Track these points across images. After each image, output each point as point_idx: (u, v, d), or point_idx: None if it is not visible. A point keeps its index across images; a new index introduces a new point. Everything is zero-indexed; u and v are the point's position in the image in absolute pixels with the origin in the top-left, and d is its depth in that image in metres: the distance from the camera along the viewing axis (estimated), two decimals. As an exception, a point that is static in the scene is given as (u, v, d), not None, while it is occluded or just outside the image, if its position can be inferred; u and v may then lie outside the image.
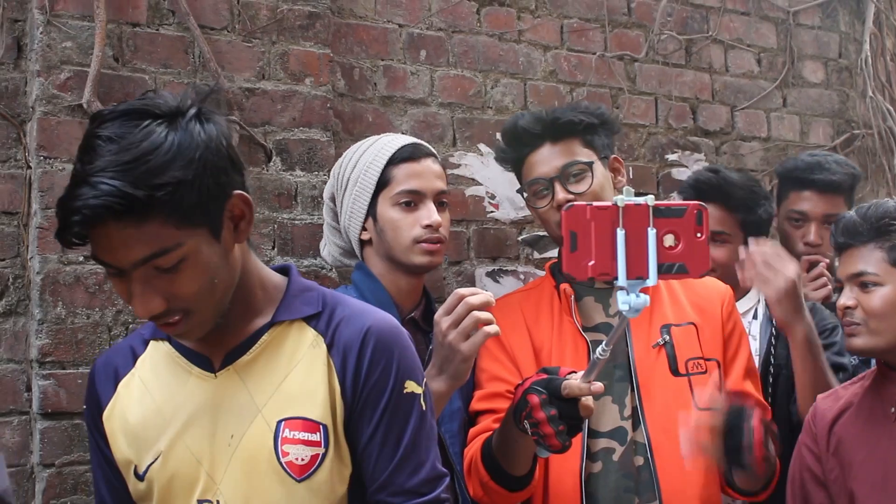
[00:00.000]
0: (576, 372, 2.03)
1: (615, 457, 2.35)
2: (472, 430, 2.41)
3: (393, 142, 2.50)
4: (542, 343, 2.45)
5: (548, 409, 1.98)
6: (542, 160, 2.52)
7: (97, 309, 2.54)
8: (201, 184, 1.67)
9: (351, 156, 2.52)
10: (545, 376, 2.05)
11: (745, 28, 3.83)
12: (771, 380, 2.83)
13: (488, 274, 3.20)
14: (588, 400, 1.99)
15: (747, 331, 2.89)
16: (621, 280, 1.73)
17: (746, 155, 3.67)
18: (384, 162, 2.44)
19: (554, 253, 3.02)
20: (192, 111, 1.70)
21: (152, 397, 1.88)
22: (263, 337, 1.85)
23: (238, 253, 1.81)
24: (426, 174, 2.45)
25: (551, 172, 2.49)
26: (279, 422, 1.79)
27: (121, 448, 1.89)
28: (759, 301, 3.00)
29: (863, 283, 2.34)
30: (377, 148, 2.49)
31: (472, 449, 2.33)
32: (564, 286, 2.49)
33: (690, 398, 2.39)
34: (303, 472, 1.78)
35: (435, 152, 2.54)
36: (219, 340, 1.85)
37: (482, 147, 3.19)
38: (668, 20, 3.63)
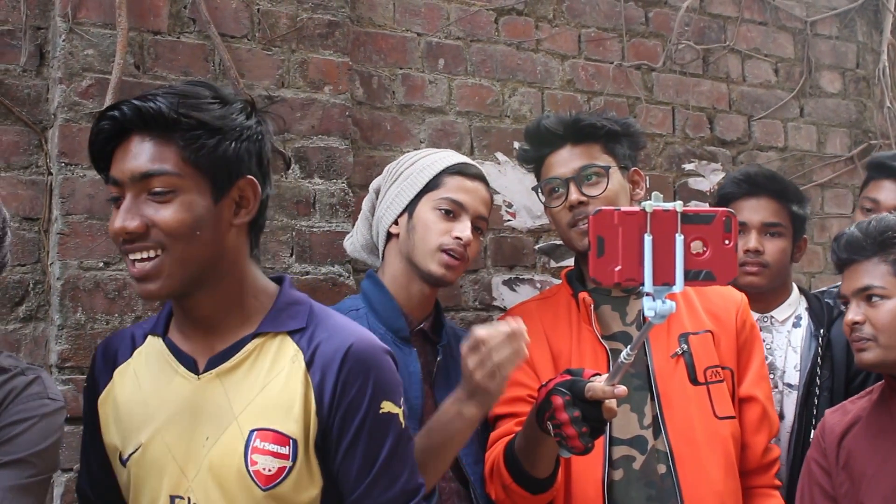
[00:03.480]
0: (599, 374, 2.03)
1: (636, 465, 2.36)
2: (493, 434, 2.41)
3: (454, 156, 2.53)
4: (561, 350, 2.46)
5: (571, 411, 1.98)
6: (560, 161, 2.54)
7: (116, 315, 2.56)
8: (223, 143, 1.80)
9: (412, 156, 2.55)
10: (569, 378, 2.05)
11: (762, 38, 3.83)
12: (816, 402, 2.80)
13: (505, 282, 3.20)
14: (611, 402, 1.99)
15: (787, 340, 2.90)
16: (648, 286, 1.74)
17: (763, 165, 3.65)
18: (440, 168, 2.46)
19: (570, 261, 3.02)
20: (244, 102, 1.86)
21: (141, 389, 1.93)
22: (247, 346, 1.88)
23: (233, 242, 1.86)
24: (474, 193, 2.47)
25: (568, 173, 2.51)
26: (252, 431, 1.82)
27: (111, 433, 1.94)
28: (800, 307, 2.98)
29: (869, 296, 2.34)
30: (439, 155, 2.52)
31: (494, 452, 2.34)
32: (583, 295, 2.49)
33: (710, 407, 2.40)
34: (268, 482, 1.80)
35: (488, 181, 2.55)
36: (206, 343, 1.90)
37: (500, 156, 3.19)
38: (686, 30, 3.63)
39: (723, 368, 2.45)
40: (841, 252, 2.41)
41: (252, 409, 1.83)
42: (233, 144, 1.82)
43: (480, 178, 2.51)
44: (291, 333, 1.89)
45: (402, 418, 1.88)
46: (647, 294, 1.74)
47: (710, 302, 2.53)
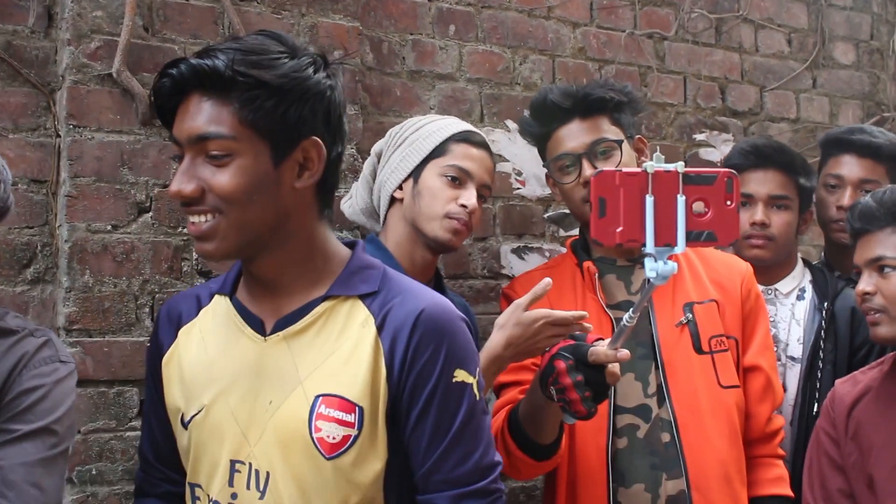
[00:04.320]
0: (602, 339, 2.04)
1: (640, 433, 2.37)
2: (498, 402, 2.42)
3: (460, 123, 2.53)
4: (566, 318, 2.46)
5: (574, 375, 1.99)
6: (570, 135, 2.53)
7: (124, 278, 2.56)
8: (284, 101, 1.73)
9: (416, 121, 2.54)
10: (572, 342, 2.06)
11: (775, 8, 3.80)
12: (819, 375, 2.81)
13: (513, 251, 3.20)
14: (615, 367, 2.00)
15: (791, 313, 2.90)
16: (649, 247, 1.74)
17: (775, 136, 3.63)
18: (447, 135, 2.45)
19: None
20: (314, 55, 1.78)
21: (206, 350, 1.89)
22: (316, 309, 1.83)
23: (297, 204, 1.80)
24: (479, 161, 2.46)
25: (580, 148, 2.50)
26: (317, 396, 1.77)
27: (173, 394, 1.91)
28: (804, 280, 2.98)
29: (881, 267, 2.33)
30: (445, 122, 2.51)
31: (498, 419, 2.34)
32: (588, 264, 2.51)
33: (714, 376, 2.41)
34: (332, 451, 1.75)
35: (491, 150, 2.54)
36: (274, 305, 1.85)
37: (509, 123, 3.18)
38: (699, -1, 3.63)
39: (727, 338, 2.46)
40: (854, 222, 2.41)
41: (318, 373, 1.78)
42: (295, 104, 1.75)
43: (485, 146, 2.51)
44: (363, 297, 1.84)
45: (476, 389, 1.81)
46: (649, 255, 1.74)
47: (714, 271, 2.53)
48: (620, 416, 2.38)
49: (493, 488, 1.81)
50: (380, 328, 1.80)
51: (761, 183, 2.91)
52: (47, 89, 2.60)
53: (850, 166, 3.03)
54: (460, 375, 1.80)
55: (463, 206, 2.39)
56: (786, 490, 2.49)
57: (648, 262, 1.75)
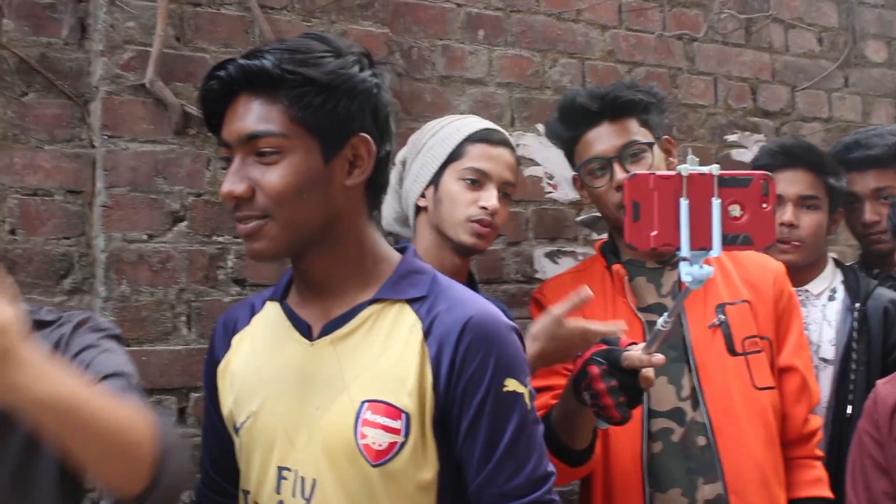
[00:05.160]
0: (636, 343, 2.03)
1: (675, 437, 2.36)
2: None
3: (476, 122, 2.52)
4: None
5: (608, 380, 1.97)
6: (599, 138, 2.52)
7: (160, 287, 2.57)
8: (332, 98, 1.73)
9: (433, 125, 2.54)
10: (605, 347, 2.05)
11: (805, 7, 3.79)
12: (853, 377, 2.80)
13: (546, 255, 3.20)
14: (648, 371, 1.98)
15: (822, 314, 2.89)
16: (684, 251, 1.72)
17: (807, 136, 3.62)
18: (462, 137, 2.45)
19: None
20: (359, 54, 1.79)
21: (256, 357, 1.89)
22: (363, 312, 1.81)
23: (347, 203, 1.80)
24: (498, 160, 2.45)
25: (610, 152, 2.49)
26: (363, 402, 1.75)
27: (227, 402, 1.91)
28: (835, 280, 2.97)
29: None
30: (460, 124, 2.51)
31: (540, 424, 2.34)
32: (617, 267, 2.51)
33: (749, 377, 2.40)
34: (379, 458, 1.73)
35: (513, 145, 2.53)
36: (322, 308, 1.85)
37: (540, 127, 3.17)
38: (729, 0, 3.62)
39: (761, 338, 2.45)
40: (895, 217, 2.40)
41: (364, 378, 1.76)
42: (343, 101, 1.75)
43: (504, 142, 2.50)
44: (411, 302, 1.81)
45: (527, 399, 1.78)
46: (684, 259, 1.73)
47: (746, 271, 2.52)
48: (655, 420, 2.37)
49: (548, 500, 1.78)
50: (426, 333, 1.77)
51: (790, 183, 2.90)
52: (82, 100, 2.62)
53: (860, 182, 3.04)
54: (511, 385, 1.76)
55: (483, 207, 2.39)
56: (825, 492, 2.47)
57: (684, 266, 1.74)
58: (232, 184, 1.72)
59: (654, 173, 1.76)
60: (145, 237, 2.59)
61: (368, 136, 1.79)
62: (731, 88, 3.61)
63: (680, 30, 3.52)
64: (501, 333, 1.78)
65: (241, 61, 1.73)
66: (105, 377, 1.71)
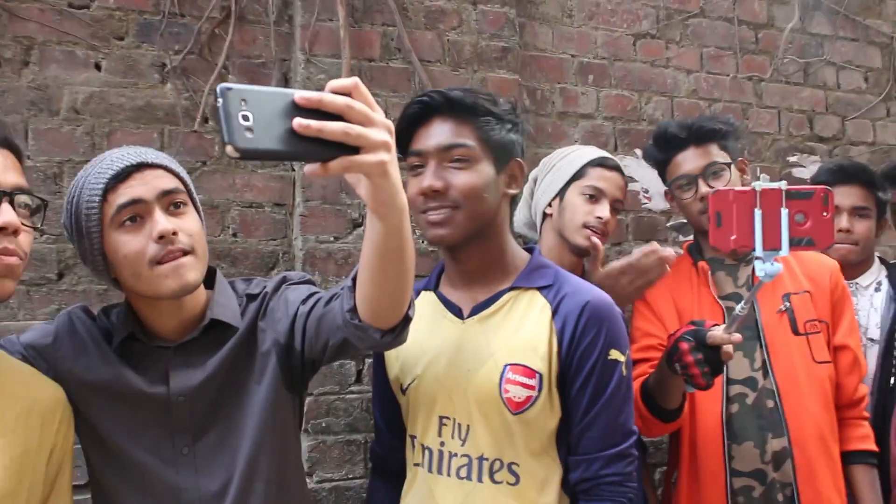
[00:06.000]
0: (718, 325, 2.01)
1: (749, 401, 2.34)
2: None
3: (596, 151, 2.52)
4: (684, 308, 2.44)
5: (695, 354, 1.97)
6: (686, 160, 2.49)
7: (343, 277, 2.60)
8: (503, 127, 1.83)
9: (563, 151, 2.55)
10: (693, 328, 2.04)
11: (854, 52, 3.68)
12: (895, 353, 2.73)
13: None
14: (728, 347, 1.97)
15: (869, 302, 2.82)
16: (758, 251, 1.72)
17: (855, 157, 3.53)
18: (585, 161, 2.46)
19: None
20: (511, 105, 1.89)
21: (417, 333, 1.87)
22: (504, 297, 1.86)
23: (502, 209, 1.86)
24: (611, 181, 2.45)
25: (696, 171, 2.46)
26: (506, 365, 1.79)
27: (393, 369, 1.96)
28: (881, 274, 2.89)
29: None
30: (583, 151, 2.52)
31: (633, 390, 2.35)
32: (702, 263, 2.48)
33: (809, 353, 2.36)
34: (518, 408, 1.78)
35: (623, 171, 2.52)
36: (470, 294, 1.90)
37: (638, 152, 3.16)
38: (790, 46, 3.53)
39: (819, 322, 2.40)
40: None
41: (506, 347, 1.81)
42: (510, 132, 1.84)
43: (617, 168, 2.49)
44: (540, 289, 1.86)
45: (624, 367, 1.83)
46: (758, 258, 1.72)
47: (807, 267, 2.47)
48: (732, 387, 2.35)
49: (631, 452, 1.82)
50: (554, 313, 1.82)
51: (846, 196, 2.84)
52: (285, 135, 2.69)
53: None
54: (614, 354, 1.81)
55: (598, 217, 2.39)
56: (871, 446, 2.42)
57: (758, 263, 1.73)
58: (431, 180, 1.77)
59: (733, 189, 1.76)
60: (332, 239, 2.64)
61: (522, 161, 1.87)
62: (791, 119, 3.53)
63: (750, 72, 3.46)
64: (611, 314, 1.83)
65: (443, 90, 1.80)
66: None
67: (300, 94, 1.09)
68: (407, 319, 1.52)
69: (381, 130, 1.17)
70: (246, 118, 1.05)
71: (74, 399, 1.68)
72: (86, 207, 1.59)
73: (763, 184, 1.75)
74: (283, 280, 1.83)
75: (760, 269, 1.73)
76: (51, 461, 1.60)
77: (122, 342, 1.70)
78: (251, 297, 1.79)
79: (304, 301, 1.74)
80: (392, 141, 1.19)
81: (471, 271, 1.90)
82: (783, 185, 1.74)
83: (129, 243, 1.59)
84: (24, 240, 1.50)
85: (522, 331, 1.83)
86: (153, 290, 1.62)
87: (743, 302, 1.90)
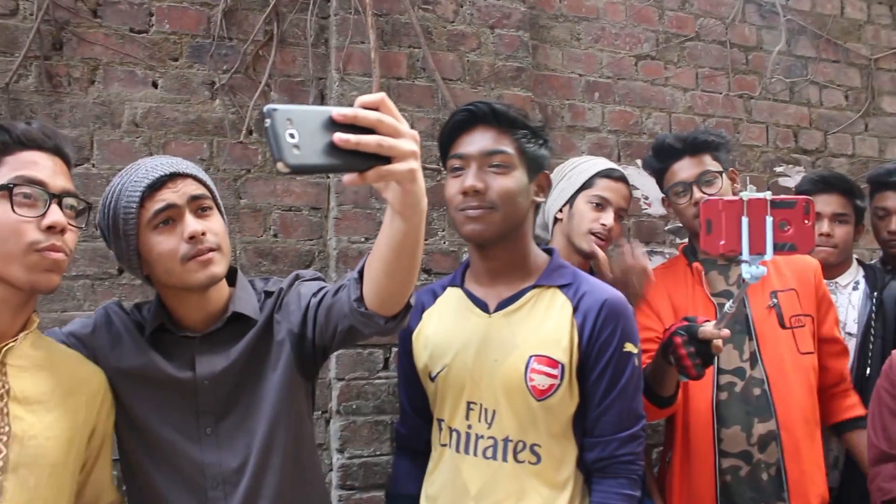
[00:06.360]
0: (709, 321, 2.01)
1: (737, 389, 2.33)
2: None
3: (604, 163, 2.52)
4: (679, 305, 2.44)
5: (688, 347, 1.97)
6: (682, 169, 2.48)
7: (373, 274, 2.63)
8: (536, 141, 1.85)
9: (573, 161, 2.55)
10: (686, 323, 2.05)
11: (835, 72, 3.67)
12: (871, 346, 2.72)
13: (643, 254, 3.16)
14: (718, 341, 1.97)
15: (848, 300, 2.81)
16: (745, 255, 1.72)
17: (836, 168, 3.52)
18: (593, 172, 2.46)
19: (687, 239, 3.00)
20: (541, 122, 1.91)
21: (444, 326, 1.93)
22: (527, 294, 1.87)
23: (528, 215, 1.87)
24: (617, 191, 2.45)
25: (690, 178, 2.46)
26: (530, 356, 1.81)
27: (421, 359, 1.96)
28: (858, 275, 2.88)
29: None
30: (592, 163, 2.52)
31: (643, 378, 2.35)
32: (696, 264, 2.47)
33: (794, 345, 2.36)
34: (541, 395, 1.79)
35: (628, 181, 2.52)
36: (496, 291, 1.90)
37: (639, 161, 3.14)
38: (777, 67, 3.51)
39: (804, 316, 2.40)
40: None
41: (531, 340, 1.82)
42: (542, 146, 1.86)
43: (622, 179, 2.49)
44: (561, 287, 1.87)
45: (636, 359, 1.85)
46: (744, 261, 1.72)
47: (794, 267, 2.47)
48: (722, 376, 2.35)
49: (641, 434, 1.85)
50: (574, 309, 1.83)
51: (826, 203, 2.83)
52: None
53: (892, 200, 2.91)
54: (628, 347, 1.83)
55: (603, 224, 2.39)
56: (862, 411, 2.44)
57: (744, 266, 1.73)
58: (473, 181, 1.79)
59: (722, 198, 1.76)
60: (363, 239, 2.64)
61: (549, 173, 1.90)
62: (778, 133, 3.51)
63: (741, 90, 3.45)
64: (625, 311, 1.85)
65: (488, 102, 1.83)
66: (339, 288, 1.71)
67: (337, 111, 1.11)
68: (408, 307, 1.55)
69: (409, 141, 1.19)
70: (292, 136, 1.06)
71: (110, 384, 1.71)
72: (124, 212, 1.63)
73: (750, 194, 1.75)
74: (297, 277, 1.86)
75: (746, 271, 1.73)
76: (91, 440, 1.64)
77: (153, 332, 1.74)
78: (268, 294, 1.83)
79: (314, 294, 1.77)
80: (418, 150, 1.21)
81: (497, 269, 1.90)
82: (768, 195, 1.74)
83: (163, 243, 1.64)
84: (70, 238, 1.53)
85: (546, 325, 1.84)
86: (184, 282, 1.66)
87: (731, 301, 1.90)
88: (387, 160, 1.16)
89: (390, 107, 1.18)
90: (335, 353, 2.56)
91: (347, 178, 1.14)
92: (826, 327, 2.46)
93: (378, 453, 2.58)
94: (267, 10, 2.66)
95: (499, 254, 1.88)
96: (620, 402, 1.82)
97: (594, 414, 1.83)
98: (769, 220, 1.73)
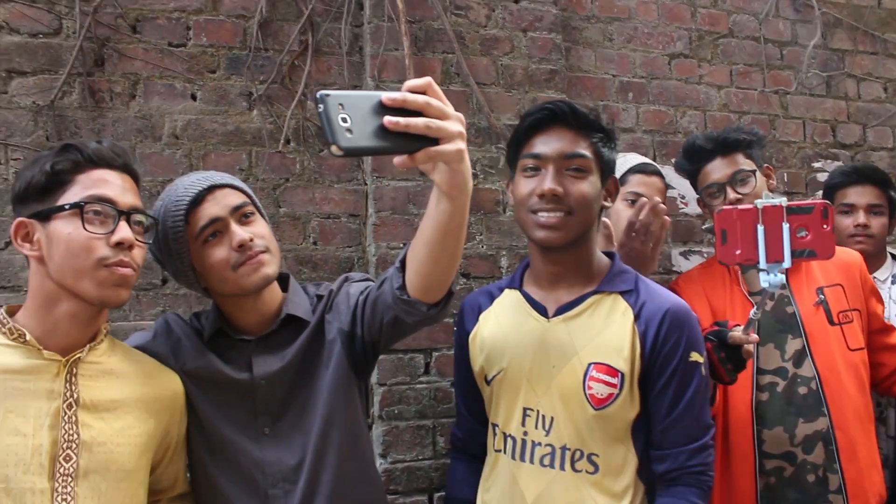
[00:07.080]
0: (739, 326, 2.00)
1: (779, 388, 2.31)
2: None
3: (636, 158, 2.52)
4: (717, 305, 2.42)
5: (719, 352, 1.96)
6: (715, 170, 2.48)
7: (411, 279, 2.64)
8: (610, 146, 1.83)
9: None
10: (717, 328, 2.03)
11: (873, 64, 3.62)
12: None
13: (681, 254, 3.17)
14: (749, 346, 1.95)
15: (888, 295, 2.79)
16: (762, 264, 1.71)
17: (876, 162, 3.47)
18: (626, 169, 2.46)
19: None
20: (609, 126, 1.85)
21: (501, 328, 1.90)
22: (588, 299, 1.83)
23: (596, 217, 1.84)
24: (651, 185, 2.45)
25: (723, 179, 2.45)
26: (589, 364, 1.77)
27: (478, 361, 1.94)
28: (894, 269, 2.85)
29: None
30: (626, 158, 2.52)
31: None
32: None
33: (844, 342, 2.34)
34: (600, 404, 1.76)
35: (663, 174, 2.50)
36: (555, 295, 1.87)
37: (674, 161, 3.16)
38: (813, 62, 3.48)
39: (852, 311, 2.37)
40: None
41: (590, 347, 1.78)
42: (613, 150, 1.84)
43: (656, 172, 2.48)
44: (622, 293, 1.83)
45: (703, 368, 1.80)
46: (762, 270, 1.71)
47: (837, 261, 2.42)
48: (762, 377, 2.32)
49: (711, 443, 1.81)
50: (636, 317, 1.79)
51: (861, 195, 2.81)
52: (357, 153, 2.72)
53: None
54: (694, 356, 1.78)
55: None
56: None
57: (762, 275, 1.72)
58: (553, 184, 1.75)
59: (736, 207, 1.75)
60: (401, 245, 2.64)
61: (617, 178, 1.87)
62: (815, 128, 3.48)
63: (776, 86, 3.42)
64: (690, 320, 1.80)
65: (568, 102, 1.80)
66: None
67: (387, 96, 1.15)
68: (450, 294, 1.56)
69: (456, 122, 1.22)
70: (345, 120, 1.10)
71: None
72: (172, 233, 1.69)
73: (765, 201, 1.74)
74: (346, 279, 1.90)
75: (765, 280, 1.72)
76: (162, 444, 1.71)
77: (211, 337, 1.81)
78: (319, 297, 1.87)
79: (362, 292, 1.80)
80: (464, 131, 1.24)
81: (559, 273, 1.87)
82: (784, 201, 1.73)
83: (214, 254, 1.70)
84: (138, 254, 1.58)
85: (606, 332, 1.80)
86: (240, 288, 1.72)
87: (755, 307, 1.89)
88: (435, 141, 1.19)
89: (437, 90, 1.22)
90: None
91: (398, 159, 1.18)
92: (877, 320, 2.42)
93: (420, 458, 2.60)
94: (301, 21, 2.69)
95: (565, 258, 1.85)
96: (688, 414, 1.78)
97: (661, 427, 1.79)
98: (786, 226, 1.71)
